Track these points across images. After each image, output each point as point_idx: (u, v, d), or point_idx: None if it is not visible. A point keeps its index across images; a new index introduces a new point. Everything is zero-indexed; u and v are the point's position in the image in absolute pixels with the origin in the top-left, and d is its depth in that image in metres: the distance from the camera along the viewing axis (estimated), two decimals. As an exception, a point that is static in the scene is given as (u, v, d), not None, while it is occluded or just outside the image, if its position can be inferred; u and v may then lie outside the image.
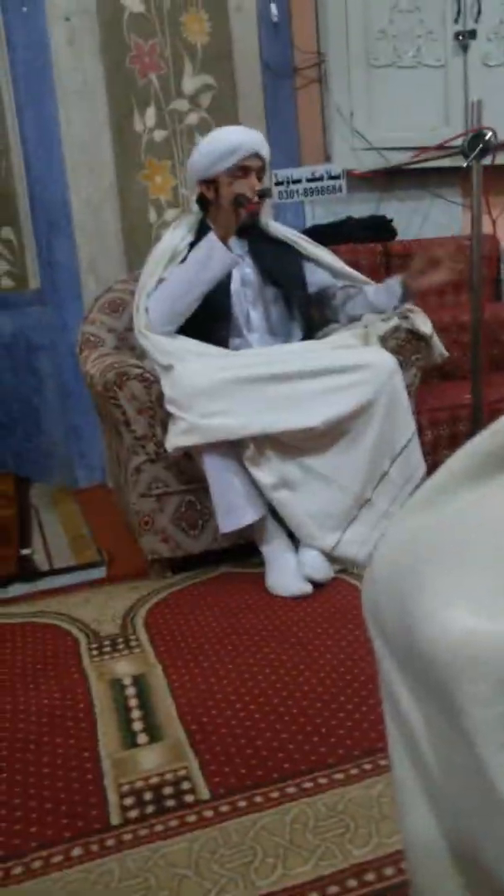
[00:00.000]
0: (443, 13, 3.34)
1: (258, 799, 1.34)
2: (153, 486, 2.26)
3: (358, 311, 2.43)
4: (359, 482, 2.14)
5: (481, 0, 3.34)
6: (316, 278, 2.51)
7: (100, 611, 2.15)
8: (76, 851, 1.27)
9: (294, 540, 2.20)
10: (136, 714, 1.65)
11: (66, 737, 1.58)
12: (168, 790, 1.40)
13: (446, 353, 2.37)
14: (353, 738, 1.49)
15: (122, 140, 3.13)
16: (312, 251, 2.51)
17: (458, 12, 3.33)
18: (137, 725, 1.60)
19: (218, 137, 2.29)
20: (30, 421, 3.39)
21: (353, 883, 1.14)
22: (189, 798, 1.37)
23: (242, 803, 1.34)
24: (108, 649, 1.93)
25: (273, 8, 3.16)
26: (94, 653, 1.92)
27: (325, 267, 2.52)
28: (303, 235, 2.56)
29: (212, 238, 2.22)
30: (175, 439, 2.14)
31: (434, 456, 2.39)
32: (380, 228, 3.24)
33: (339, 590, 2.12)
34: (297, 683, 1.69)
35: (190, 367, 2.14)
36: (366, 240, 3.14)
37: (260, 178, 2.31)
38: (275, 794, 1.35)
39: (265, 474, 2.12)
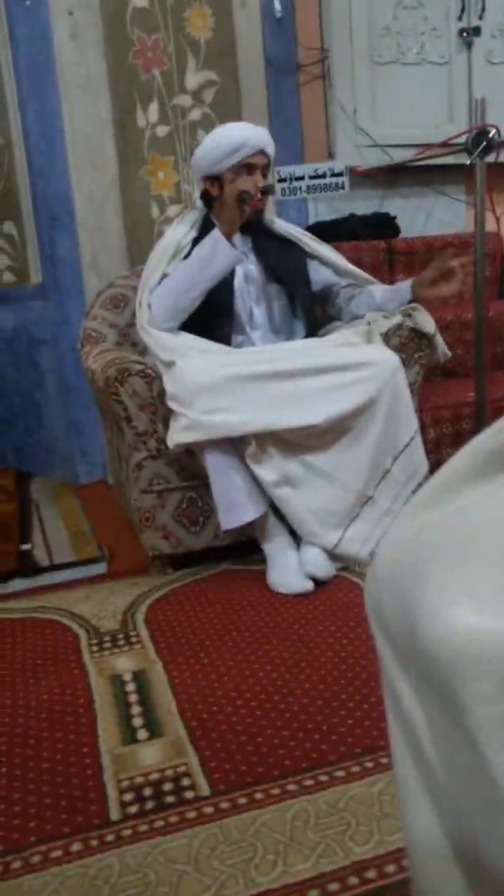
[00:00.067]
0: (447, 10, 3.33)
1: (258, 796, 1.34)
2: (154, 483, 2.25)
3: (362, 311, 2.43)
4: (361, 480, 2.14)
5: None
6: (319, 276, 2.50)
7: (100, 607, 2.14)
8: (75, 846, 1.27)
9: (295, 537, 2.19)
10: (136, 710, 1.64)
11: (65, 732, 1.58)
12: (168, 786, 1.39)
13: (449, 354, 2.37)
14: (354, 735, 1.48)
15: (125, 135, 3.12)
16: (316, 248, 2.50)
17: (462, 9, 3.32)
18: (137, 721, 1.60)
19: (223, 134, 2.28)
20: (31, 416, 3.38)
21: (354, 880, 1.14)
22: (189, 794, 1.37)
23: (243, 800, 1.34)
24: (108, 645, 1.93)
25: (276, 3, 3.15)
26: (95, 648, 1.92)
27: (328, 265, 2.51)
28: (307, 233, 2.55)
29: (216, 234, 2.22)
30: (176, 436, 2.13)
31: (437, 454, 2.39)
32: (383, 226, 3.23)
33: (341, 587, 2.12)
34: (297, 681, 1.69)
35: (192, 364, 2.14)
36: (369, 237, 3.14)
37: (265, 175, 2.30)
38: (275, 791, 1.35)
39: (267, 471, 2.11)
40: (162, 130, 3.16)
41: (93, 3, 3.00)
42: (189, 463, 2.24)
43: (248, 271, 2.38)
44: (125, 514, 2.58)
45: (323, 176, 2.52)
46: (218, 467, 2.13)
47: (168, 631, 1.97)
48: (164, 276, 2.32)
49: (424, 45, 3.32)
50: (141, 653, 1.88)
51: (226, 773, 1.41)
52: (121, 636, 1.97)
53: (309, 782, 1.36)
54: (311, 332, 2.42)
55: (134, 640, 1.95)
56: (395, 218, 3.29)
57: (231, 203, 2.24)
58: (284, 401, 2.09)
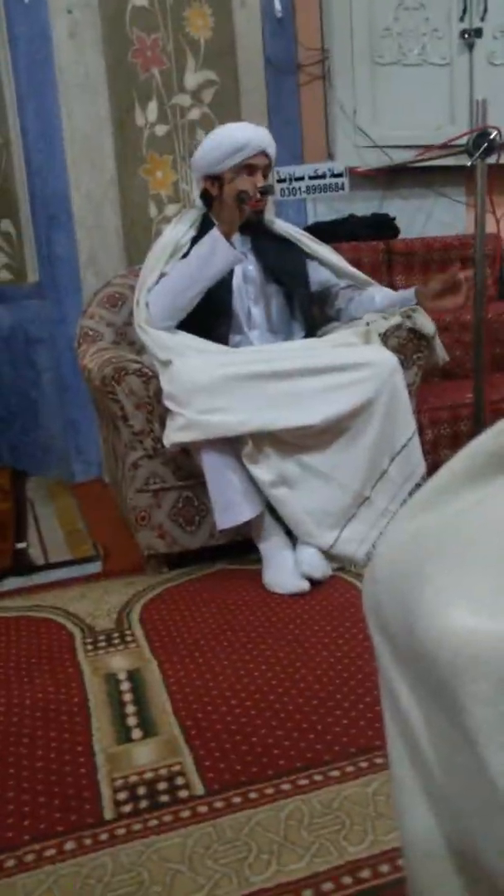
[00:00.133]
0: (448, 11, 3.33)
1: (253, 795, 1.34)
2: (150, 482, 2.25)
3: (360, 313, 2.43)
4: (358, 480, 2.14)
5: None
6: (319, 276, 2.50)
7: (95, 605, 2.14)
8: (69, 845, 1.26)
9: (291, 537, 2.19)
10: (130, 709, 1.64)
11: (60, 731, 1.58)
12: (162, 785, 1.39)
13: (447, 358, 2.37)
14: (348, 735, 1.48)
15: (124, 134, 3.12)
16: (316, 249, 2.50)
17: (464, 10, 3.32)
18: (132, 720, 1.59)
19: (225, 134, 2.27)
20: (27, 414, 3.38)
21: (347, 880, 1.13)
22: (183, 793, 1.36)
23: (237, 799, 1.33)
24: (103, 644, 1.93)
25: (277, 3, 3.15)
26: (89, 647, 1.91)
27: (328, 265, 2.51)
28: (306, 233, 2.55)
29: (215, 234, 2.22)
30: (173, 435, 2.13)
31: (434, 455, 2.39)
32: (382, 226, 3.23)
33: (337, 588, 2.11)
34: (293, 680, 1.68)
35: (189, 363, 2.13)
36: (368, 238, 3.13)
37: (265, 176, 2.30)
38: (269, 791, 1.34)
39: (264, 471, 2.11)
40: (161, 130, 3.15)
41: (92, 1, 3.00)
42: (185, 462, 2.23)
43: (246, 271, 2.38)
44: (121, 513, 2.57)
45: (323, 176, 2.52)
46: (214, 467, 2.13)
47: (163, 630, 1.97)
48: (163, 275, 2.31)
49: (426, 46, 3.32)
50: (136, 652, 1.87)
51: (220, 773, 1.40)
52: (116, 635, 1.96)
53: (303, 782, 1.36)
54: (310, 332, 2.42)
55: (129, 639, 1.94)
56: (394, 219, 3.29)
57: (230, 203, 2.24)
58: (282, 401, 2.09)
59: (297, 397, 2.10)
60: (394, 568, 0.63)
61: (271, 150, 2.29)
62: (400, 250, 3.10)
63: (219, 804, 1.32)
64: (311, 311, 2.47)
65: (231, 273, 2.31)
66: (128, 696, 1.69)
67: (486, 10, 3.32)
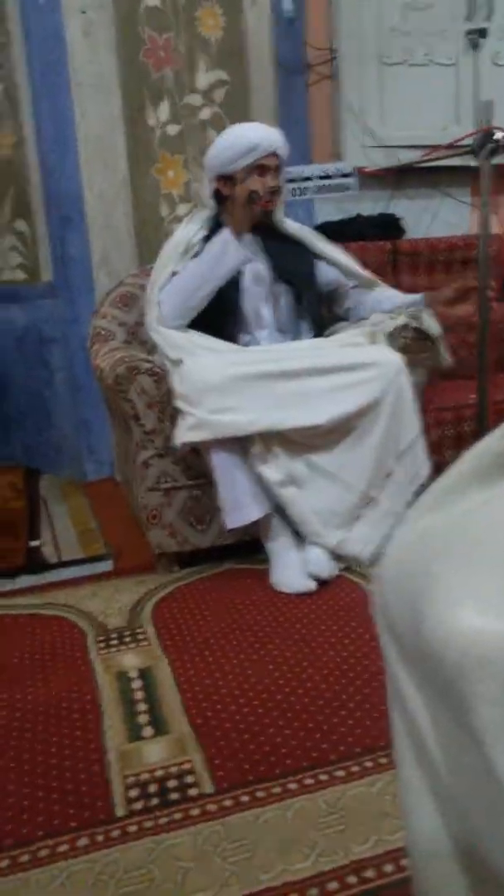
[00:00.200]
0: (454, 11, 3.32)
1: (260, 794, 1.36)
2: (161, 481, 2.28)
3: (368, 313, 2.44)
4: (364, 480, 2.16)
5: (493, -3, 3.33)
6: (327, 276, 2.52)
7: (107, 604, 2.17)
8: (82, 841, 1.29)
9: (298, 537, 2.21)
10: (141, 707, 1.67)
11: (72, 728, 1.61)
12: (172, 783, 1.42)
13: (450, 360, 2.39)
14: (354, 735, 1.51)
15: (136, 134, 3.13)
16: (325, 249, 2.51)
17: (470, 11, 3.30)
18: (143, 718, 1.63)
19: (237, 134, 2.29)
20: (40, 414, 3.41)
21: (352, 879, 1.16)
22: (193, 791, 1.39)
23: (245, 798, 1.36)
24: (114, 642, 1.96)
25: (287, 4, 3.15)
26: (101, 645, 1.95)
27: (337, 266, 2.52)
28: (316, 233, 2.56)
29: (226, 234, 2.24)
30: (183, 434, 2.15)
31: (439, 455, 2.40)
32: (388, 226, 3.23)
33: (343, 587, 2.14)
34: (300, 680, 1.71)
35: (200, 363, 2.16)
36: (375, 238, 3.14)
37: (277, 177, 2.31)
38: (277, 790, 1.37)
39: (272, 471, 2.13)
40: (172, 129, 3.17)
41: (105, 2, 3.01)
42: (195, 461, 2.26)
43: (256, 271, 2.39)
44: (132, 512, 2.60)
45: (331, 177, 2.53)
46: (223, 466, 2.15)
47: (174, 628, 2.00)
48: (174, 274, 2.34)
49: (432, 46, 3.31)
50: (147, 650, 1.91)
51: (229, 771, 1.43)
52: (127, 633, 2.00)
53: (309, 781, 1.39)
54: (318, 332, 2.44)
55: (140, 637, 1.97)
56: (400, 219, 3.29)
57: (241, 203, 2.26)
58: (290, 400, 2.11)
59: (305, 397, 2.12)
60: (401, 568, 0.64)
61: (283, 150, 2.30)
62: (406, 250, 3.10)
63: (227, 802, 1.35)
64: (319, 311, 2.48)
65: (241, 273, 2.33)
66: (139, 695, 1.72)
67: (491, 11, 3.31)
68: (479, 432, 2.41)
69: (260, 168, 2.27)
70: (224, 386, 2.10)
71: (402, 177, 3.38)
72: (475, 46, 3.30)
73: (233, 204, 2.32)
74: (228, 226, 2.28)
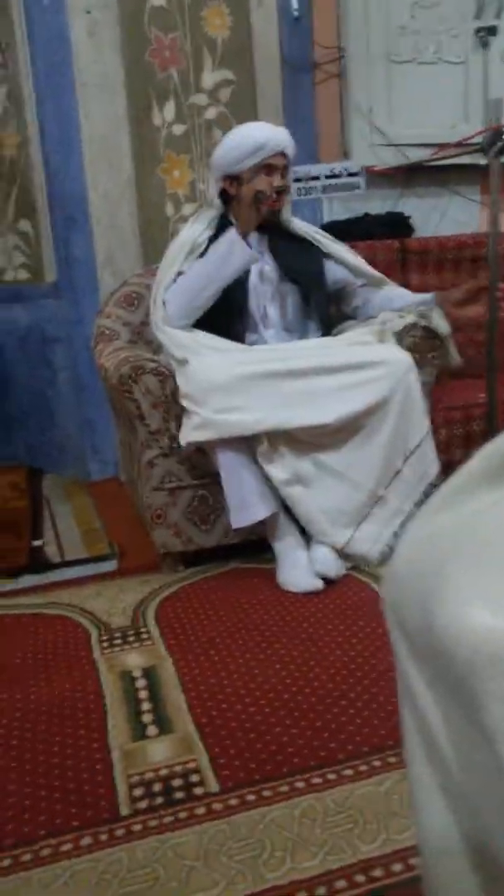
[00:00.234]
0: (464, 9, 3.32)
1: (267, 793, 1.35)
2: (166, 480, 2.26)
3: (377, 312, 2.43)
4: (372, 479, 2.14)
5: (502, -3, 3.32)
6: (335, 275, 2.50)
7: (111, 603, 2.15)
8: (85, 840, 1.28)
9: (305, 536, 2.19)
10: (146, 706, 1.65)
11: (76, 727, 1.59)
12: (177, 782, 1.40)
13: (460, 360, 2.37)
14: (362, 734, 1.49)
15: (141, 134, 3.13)
16: (333, 248, 2.50)
17: (479, 9, 3.30)
18: (147, 717, 1.61)
19: (244, 134, 2.28)
20: (43, 413, 3.40)
21: (360, 878, 1.14)
22: (198, 790, 1.37)
23: (251, 797, 1.34)
24: (118, 641, 1.94)
25: (294, 2, 3.15)
26: (105, 645, 1.93)
27: (345, 265, 2.50)
28: (324, 232, 2.54)
29: (232, 234, 2.23)
30: (189, 434, 2.14)
31: (447, 455, 2.38)
32: (397, 225, 3.22)
33: (351, 587, 2.12)
34: (307, 679, 1.69)
35: (206, 362, 2.15)
36: (383, 236, 3.13)
37: (284, 176, 2.30)
38: (284, 789, 1.35)
39: (279, 470, 2.12)
40: (178, 129, 3.16)
41: (110, 2, 3.01)
42: (200, 461, 2.25)
43: (263, 270, 2.38)
44: (137, 512, 2.59)
45: (339, 176, 2.52)
46: (230, 466, 2.14)
47: (178, 628, 1.98)
48: (180, 273, 2.32)
49: (441, 44, 3.31)
50: (151, 649, 1.89)
51: (235, 770, 1.41)
52: (131, 633, 1.98)
53: (317, 780, 1.37)
54: (326, 331, 2.42)
55: (144, 636, 1.95)
56: (409, 218, 3.28)
57: (248, 203, 2.25)
58: (297, 399, 2.10)
59: (313, 396, 2.10)
60: (412, 567, 0.64)
61: (290, 150, 2.29)
62: (414, 249, 3.08)
63: (233, 801, 1.33)
64: (327, 311, 2.47)
65: (247, 272, 2.32)
66: (143, 694, 1.70)
67: (501, 9, 3.30)
68: (489, 431, 2.40)
69: (267, 168, 2.26)
70: (230, 385, 2.09)
71: (410, 175, 3.37)
72: (485, 45, 3.30)
73: (239, 204, 2.31)
74: (235, 225, 2.27)
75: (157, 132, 3.15)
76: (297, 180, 2.46)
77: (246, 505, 2.13)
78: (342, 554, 2.16)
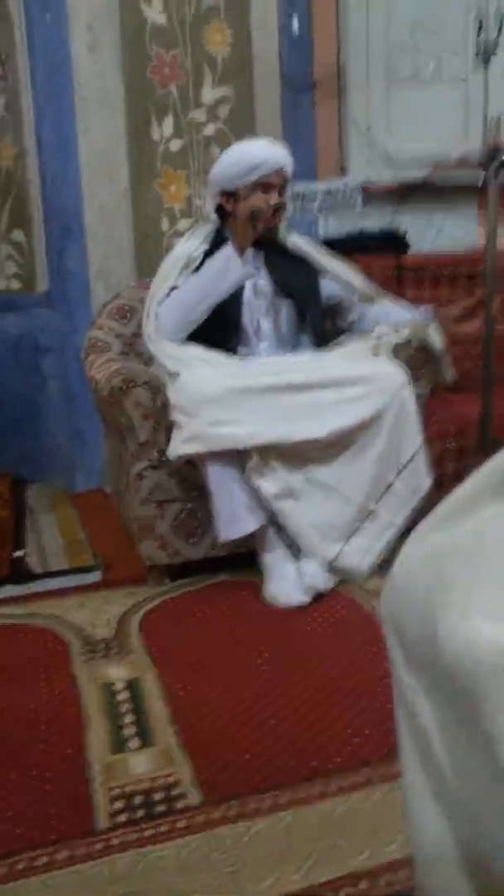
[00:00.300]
0: (464, 28, 3.34)
1: (250, 807, 1.32)
2: (154, 493, 2.24)
3: (373, 326, 2.42)
4: (363, 493, 2.13)
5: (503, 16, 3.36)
6: (331, 289, 2.49)
7: (95, 615, 2.12)
8: (62, 854, 1.24)
9: (293, 549, 2.17)
10: (127, 719, 1.62)
11: (56, 739, 1.56)
12: (158, 795, 1.37)
13: (453, 376, 2.37)
14: (347, 749, 1.46)
15: (139, 148, 3.14)
16: (329, 263, 2.49)
17: (480, 27, 3.34)
18: (129, 730, 1.58)
19: (242, 151, 2.28)
20: (32, 423, 3.37)
21: (345, 892, 1.12)
22: (180, 804, 1.35)
23: (234, 811, 1.31)
24: (101, 653, 1.91)
25: (294, 21, 3.18)
26: (87, 656, 1.89)
27: (341, 280, 2.50)
28: (320, 247, 2.54)
29: (229, 249, 2.23)
30: (179, 447, 2.12)
31: (440, 469, 2.37)
32: (393, 241, 3.23)
33: (338, 601, 2.09)
34: (292, 694, 1.66)
35: (197, 374, 2.14)
36: (379, 252, 3.13)
37: (281, 193, 2.30)
38: (267, 803, 1.33)
39: (270, 484, 2.10)
40: (176, 144, 3.18)
41: (111, 17, 3.03)
42: (189, 474, 2.22)
43: (257, 285, 2.38)
44: (123, 524, 2.56)
45: (336, 194, 2.52)
46: (219, 479, 2.12)
47: (163, 640, 1.95)
48: (174, 287, 2.32)
49: (441, 62, 3.34)
50: (134, 661, 1.85)
51: (217, 784, 1.38)
52: (114, 644, 1.94)
53: (301, 794, 1.34)
54: (320, 345, 2.41)
55: (127, 648, 1.92)
56: (405, 234, 3.29)
57: (244, 219, 2.25)
58: (290, 414, 2.09)
59: (305, 410, 2.10)
60: (413, 579, 0.66)
61: (288, 168, 2.29)
62: (411, 265, 3.09)
63: (216, 815, 1.31)
64: (322, 325, 2.46)
65: (242, 287, 2.31)
66: (125, 706, 1.67)
67: (501, 28, 3.34)
68: (482, 446, 2.39)
69: (264, 185, 2.26)
70: (222, 398, 2.08)
71: (407, 191, 3.38)
72: (485, 63, 3.33)
73: (235, 220, 2.31)
74: (231, 241, 2.27)
75: (155, 147, 3.16)
76: (295, 197, 2.46)
77: (235, 518, 2.11)
78: (331, 567, 2.14)
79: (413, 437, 2.16)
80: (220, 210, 2.37)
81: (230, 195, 2.30)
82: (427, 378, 2.32)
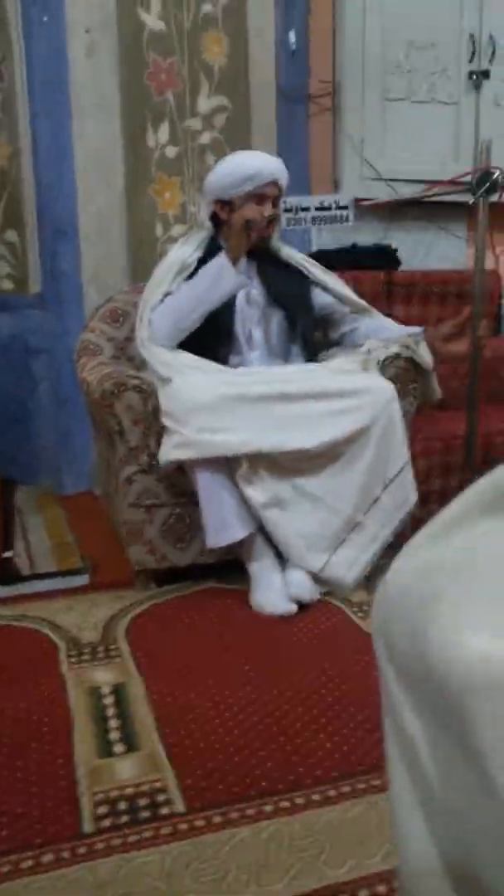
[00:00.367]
0: (458, 52, 3.40)
1: (234, 815, 1.33)
2: (143, 498, 2.25)
3: (363, 340, 2.45)
4: (350, 505, 2.15)
5: (496, 42, 3.41)
6: (322, 301, 2.52)
7: (82, 618, 2.13)
8: (47, 858, 1.25)
9: (281, 559, 2.19)
10: (113, 723, 1.63)
11: (41, 742, 1.57)
12: (143, 801, 1.38)
13: (440, 394, 2.41)
14: (331, 760, 1.48)
15: (135, 154, 3.15)
16: (321, 277, 2.52)
17: (473, 53, 3.39)
18: (114, 735, 1.59)
19: (238, 162, 2.31)
20: (22, 424, 3.37)
21: (327, 903, 1.13)
22: (164, 810, 1.36)
23: (218, 818, 1.33)
24: (87, 657, 1.92)
25: (292, 35, 3.21)
26: (74, 660, 1.90)
27: (332, 294, 2.53)
28: (313, 261, 2.57)
29: (222, 259, 2.24)
30: (169, 452, 2.14)
31: (426, 484, 2.40)
32: (384, 257, 3.27)
33: (324, 611, 2.12)
34: (277, 703, 1.68)
35: (190, 381, 2.15)
36: (370, 267, 3.17)
37: (275, 205, 2.33)
38: (251, 812, 1.34)
39: (258, 493, 2.12)
40: (171, 151, 3.19)
41: (109, 22, 3.04)
42: (179, 479, 2.24)
43: (250, 294, 2.40)
44: (111, 527, 2.57)
45: (328, 208, 2.55)
46: (209, 486, 2.14)
47: (149, 645, 1.96)
48: (167, 294, 2.33)
49: (434, 84, 3.39)
50: (120, 666, 1.87)
51: (202, 791, 1.40)
52: (101, 648, 1.96)
53: (285, 804, 1.36)
54: (309, 355, 2.44)
55: (114, 653, 1.93)
56: (396, 250, 3.33)
57: (237, 229, 2.27)
58: (282, 423, 2.11)
59: (295, 421, 2.12)
60: (406, 592, 0.65)
61: (283, 180, 2.32)
62: (400, 281, 3.13)
63: (199, 822, 1.32)
64: (312, 336, 2.49)
65: (235, 295, 2.33)
66: (111, 711, 1.68)
67: (494, 54, 3.40)
68: (468, 463, 2.42)
69: (258, 196, 2.28)
70: (214, 405, 2.10)
71: (399, 209, 3.42)
72: (477, 87, 3.39)
73: (229, 228, 2.33)
74: (224, 249, 2.29)
75: (150, 153, 3.17)
76: (288, 210, 2.49)
77: (224, 525, 2.13)
78: (317, 578, 2.16)
79: (400, 452, 2.19)
80: (214, 218, 2.39)
81: (225, 204, 2.32)
82: (414, 394, 2.35)
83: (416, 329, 2.41)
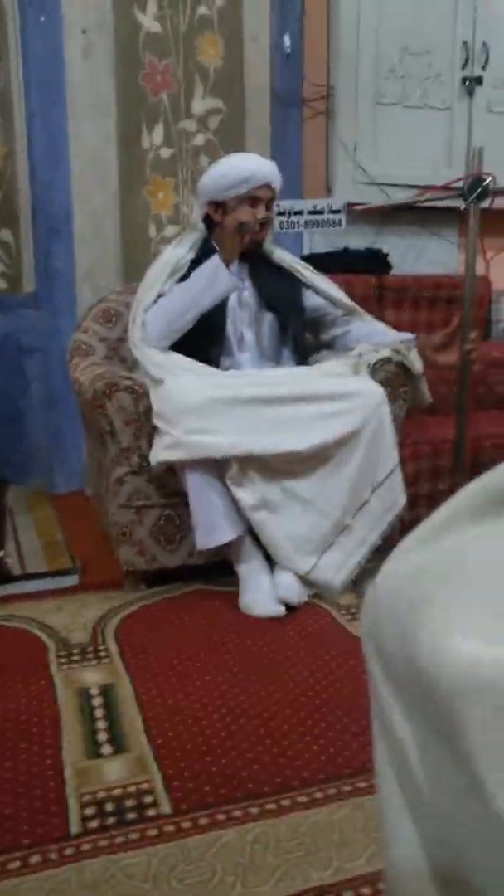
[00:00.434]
0: (451, 58, 3.43)
1: (220, 817, 1.34)
2: (134, 498, 2.26)
3: (355, 344, 2.46)
4: (339, 508, 2.16)
5: (489, 48, 3.44)
6: (313, 303, 2.53)
7: (71, 619, 2.14)
8: (34, 859, 1.26)
9: (270, 561, 2.20)
10: (101, 724, 1.64)
11: (29, 743, 1.57)
12: (130, 802, 1.39)
13: (430, 399, 2.43)
14: (318, 762, 1.49)
15: (129, 154, 3.16)
16: (313, 280, 2.53)
17: (467, 59, 3.42)
18: (102, 736, 1.60)
19: (231, 164, 2.32)
20: (13, 423, 3.37)
21: (311, 906, 1.14)
22: (151, 812, 1.36)
23: (204, 820, 1.34)
24: (76, 658, 1.92)
25: (286, 39, 3.22)
26: (63, 660, 1.91)
27: (324, 297, 2.54)
28: (305, 263, 2.58)
29: (216, 261, 2.25)
30: (160, 453, 2.14)
31: (415, 488, 2.41)
32: (376, 261, 3.28)
33: (312, 614, 2.13)
34: (264, 705, 1.69)
35: (181, 383, 2.16)
36: (361, 271, 3.18)
37: (269, 208, 2.34)
38: (237, 813, 1.35)
39: (247, 494, 2.13)
40: (165, 152, 3.20)
41: (106, 23, 3.05)
42: (169, 481, 2.25)
43: (242, 296, 2.41)
44: (101, 527, 2.57)
45: (321, 212, 2.56)
46: (199, 487, 2.14)
47: (138, 647, 1.97)
48: (160, 295, 2.34)
49: (427, 90, 3.41)
50: (109, 667, 1.87)
51: (189, 793, 1.41)
52: (90, 649, 1.96)
53: (271, 806, 1.37)
54: (299, 358, 2.45)
55: (103, 654, 1.94)
56: (387, 255, 3.34)
57: (230, 231, 2.28)
58: (270, 426, 2.12)
59: (285, 423, 2.13)
60: (396, 596, 0.66)
61: (276, 183, 2.33)
62: (391, 285, 3.15)
63: (186, 824, 1.33)
64: (303, 339, 2.50)
65: (227, 298, 2.34)
66: (99, 712, 1.69)
67: (487, 60, 3.43)
68: (456, 467, 2.44)
69: (252, 199, 2.29)
70: (204, 407, 2.10)
71: (391, 213, 3.44)
72: (470, 93, 3.41)
73: (222, 230, 2.34)
74: (217, 251, 2.30)
75: (144, 154, 3.18)
76: (281, 213, 2.50)
77: (213, 527, 2.14)
78: (305, 581, 2.17)
79: (389, 455, 2.20)
80: (207, 220, 2.40)
81: (218, 206, 2.33)
82: (404, 398, 2.37)
83: (409, 335, 2.43)
